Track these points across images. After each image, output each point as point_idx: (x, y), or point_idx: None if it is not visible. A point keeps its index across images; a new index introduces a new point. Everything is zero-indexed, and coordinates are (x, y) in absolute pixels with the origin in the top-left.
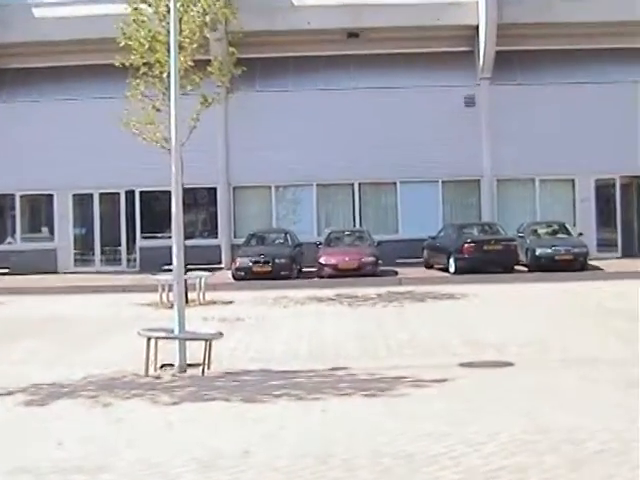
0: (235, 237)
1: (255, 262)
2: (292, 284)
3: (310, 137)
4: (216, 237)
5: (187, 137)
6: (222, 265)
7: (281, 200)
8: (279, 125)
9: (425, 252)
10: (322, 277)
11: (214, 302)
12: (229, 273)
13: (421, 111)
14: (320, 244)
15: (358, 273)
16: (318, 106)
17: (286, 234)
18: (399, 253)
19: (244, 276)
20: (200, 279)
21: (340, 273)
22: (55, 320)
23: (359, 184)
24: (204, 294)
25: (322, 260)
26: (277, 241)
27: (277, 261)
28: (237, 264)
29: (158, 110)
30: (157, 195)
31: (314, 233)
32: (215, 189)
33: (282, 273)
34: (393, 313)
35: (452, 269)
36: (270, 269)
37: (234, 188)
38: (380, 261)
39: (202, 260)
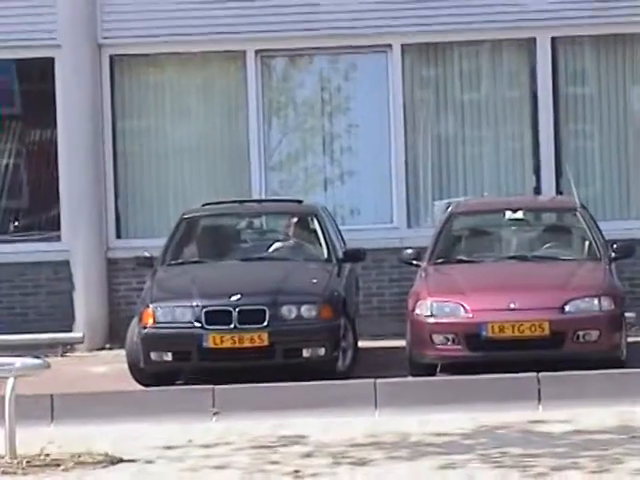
0: (121, 234)
1: (213, 321)
2: (332, 391)
3: None
4: (56, 235)
5: None
6: (79, 334)
7: (279, 103)
8: None
9: None
10: (430, 369)
11: (55, 463)
12: (108, 357)
13: None
14: (416, 257)
15: (554, 354)
16: None
17: (311, 219)
18: None
19: (172, 368)
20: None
21: (493, 355)
22: None
23: (551, 40)
24: (12, 434)
25: (426, 309)
26: (277, 246)
27: (285, 314)
28: (148, 327)
29: None
30: None
31: (395, 216)
32: (51, 63)
33: (303, 355)
34: None
35: None
36: (264, 342)
37: (114, 59)
38: (631, 314)
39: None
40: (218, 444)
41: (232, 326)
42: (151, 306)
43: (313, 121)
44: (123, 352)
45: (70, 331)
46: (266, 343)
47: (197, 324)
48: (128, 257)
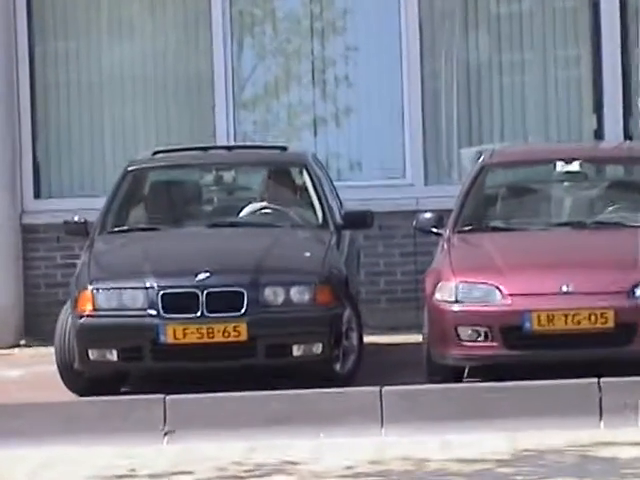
0: (40, 193)
1: (173, 308)
2: (327, 402)
3: None
4: None
5: None
6: None
7: (253, 17)
8: None
9: None
10: (454, 373)
11: None
12: (24, 357)
13: None
14: (436, 224)
15: (620, 353)
16: None
17: (299, 171)
18: None
19: (118, 370)
20: None
21: (538, 354)
22: None
23: None
24: None
25: (450, 293)
26: (255, 208)
27: (269, 299)
28: (85, 316)
29: None
30: None
31: (409, 169)
32: None
33: (293, 353)
34: None
35: None
36: (242, 336)
37: None
38: None
39: None
40: (172, 474)
41: (198, 314)
42: (89, 288)
43: (299, 41)
44: (42, 350)
45: None
46: (244, 337)
47: (151, 312)
48: (51, 223)
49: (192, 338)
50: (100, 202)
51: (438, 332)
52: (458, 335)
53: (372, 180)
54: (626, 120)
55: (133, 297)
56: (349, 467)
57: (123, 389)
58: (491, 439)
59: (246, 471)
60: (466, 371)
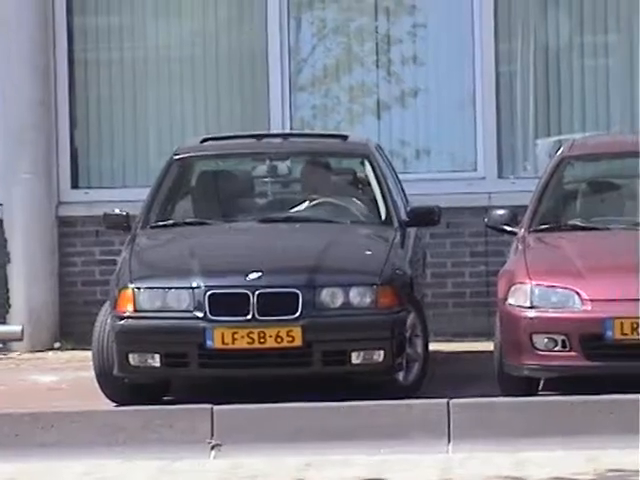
0: (78, 182)
1: (221, 310)
2: (389, 415)
3: None
4: None
5: None
6: (17, 327)
7: None
8: None
9: None
10: (529, 385)
11: None
12: (59, 361)
13: None
14: (510, 222)
15: None
16: None
17: (361, 162)
18: None
19: (161, 377)
20: None
21: (621, 365)
22: None
23: None
24: None
25: (525, 298)
26: (313, 202)
27: (326, 301)
28: (126, 317)
29: None
30: None
31: (481, 160)
32: None
33: (352, 361)
34: None
35: None
36: (296, 341)
37: None
38: None
39: None
40: None
41: (249, 317)
42: (130, 287)
43: (362, 19)
44: (78, 354)
45: (4, 323)
46: (298, 343)
47: (198, 314)
48: (89, 215)
49: (242, 343)
50: (143, 193)
51: (511, 340)
52: (533, 344)
53: (440, 172)
54: None
55: (178, 297)
56: None
57: (166, 398)
58: (570, 458)
59: None
60: (541, 383)
